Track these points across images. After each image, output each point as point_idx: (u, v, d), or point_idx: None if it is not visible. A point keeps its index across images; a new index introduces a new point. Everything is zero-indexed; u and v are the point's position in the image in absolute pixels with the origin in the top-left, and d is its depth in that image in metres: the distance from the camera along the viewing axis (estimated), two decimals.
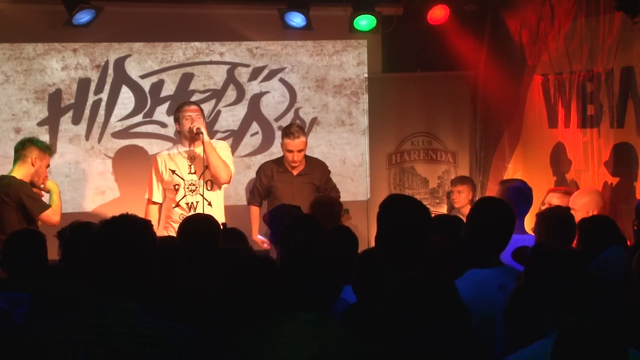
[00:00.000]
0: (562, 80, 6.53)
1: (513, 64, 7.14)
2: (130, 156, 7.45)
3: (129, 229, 2.61)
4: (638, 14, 5.52)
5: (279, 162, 6.62)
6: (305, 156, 6.60)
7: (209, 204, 6.14)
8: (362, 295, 3.37)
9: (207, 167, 6.13)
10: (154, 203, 6.32)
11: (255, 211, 6.67)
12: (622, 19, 5.80)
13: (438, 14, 7.33)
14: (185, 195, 6.16)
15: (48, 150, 5.92)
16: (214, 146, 6.18)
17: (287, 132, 6.48)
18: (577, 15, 6.34)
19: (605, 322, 2.36)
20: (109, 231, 2.61)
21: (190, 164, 6.21)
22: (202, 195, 6.14)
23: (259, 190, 6.61)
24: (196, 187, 6.18)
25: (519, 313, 2.97)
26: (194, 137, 6.10)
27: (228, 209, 6.57)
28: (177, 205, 6.19)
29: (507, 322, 3.05)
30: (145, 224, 2.67)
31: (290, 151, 6.43)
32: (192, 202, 6.16)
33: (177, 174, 6.19)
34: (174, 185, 6.19)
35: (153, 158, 6.46)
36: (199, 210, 6.03)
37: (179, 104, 6.41)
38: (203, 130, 6.03)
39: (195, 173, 6.19)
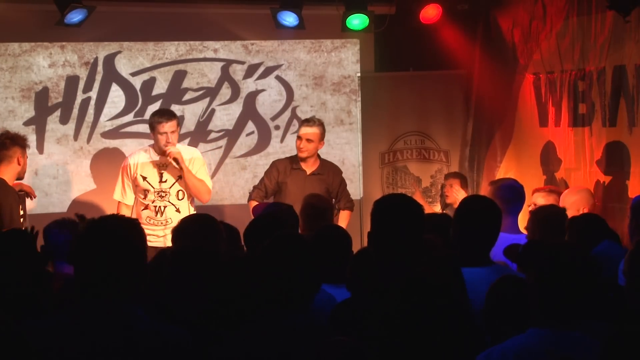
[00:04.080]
0: (553, 79, 6.54)
1: (505, 63, 7.15)
2: (121, 157, 7.35)
3: (119, 227, 2.60)
4: (630, 12, 5.53)
5: (294, 159, 6.49)
6: (321, 159, 6.51)
7: (177, 210, 6.13)
8: (357, 293, 3.37)
9: (180, 177, 6.10)
10: (126, 205, 6.27)
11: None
12: (614, 17, 5.81)
13: (430, 13, 7.34)
14: (154, 200, 6.13)
15: (26, 144, 5.91)
16: (188, 156, 6.14)
17: (305, 120, 6.49)
18: (569, 14, 6.35)
19: None
20: (99, 230, 2.60)
21: (161, 171, 6.15)
22: (171, 202, 6.14)
23: (266, 185, 6.44)
24: (166, 195, 6.15)
25: (498, 311, 2.99)
26: (166, 159, 6.05)
27: (223, 209, 6.55)
28: (146, 207, 6.16)
29: (486, 320, 3.06)
30: (134, 223, 2.67)
31: (300, 137, 6.34)
32: (159, 206, 6.14)
33: (147, 181, 6.14)
34: (144, 190, 6.14)
35: (124, 161, 6.34)
36: (167, 215, 6.07)
37: (155, 112, 6.23)
38: (179, 159, 5.99)
39: (166, 182, 6.13)
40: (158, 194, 6.13)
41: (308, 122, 6.40)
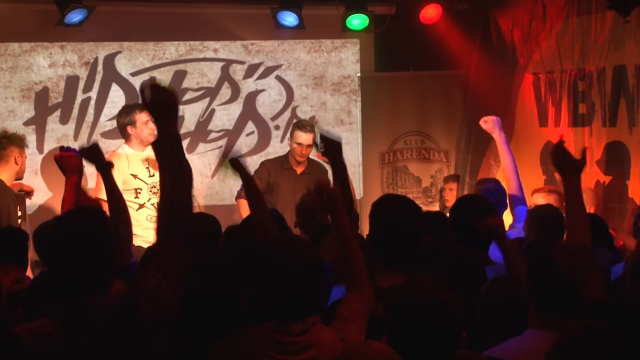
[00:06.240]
0: (553, 79, 6.54)
1: (505, 63, 7.15)
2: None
3: (89, 220, 2.58)
4: (630, 12, 5.54)
5: (284, 159, 6.55)
6: (308, 158, 6.53)
7: None
8: None
9: None
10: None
11: (246, 205, 6.47)
12: (613, 17, 5.81)
13: (430, 13, 7.34)
14: (149, 199, 6.02)
15: (24, 144, 5.83)
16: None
17: (299, 124, 6.47)
18: (569, 14, 6.35)
19: (609, 324, 2.34)
20: (70, 224, 2.58)
21: (147, 167, 6.05)
22: None
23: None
24: (158, 190, 6.05)
25: (494, 309, 2.99)
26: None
27: (224, 209, 6.55)
28: (142, 206, 5.99)
29: (482, 315, 3.05)
30: (102, 214, 2.68)
31: (300, 144, 6.37)
32: (156, 204, 6.07)
33: (139, 178, 6.03)
34: (136, 189, 6.01)
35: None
36: None
37: (128, 106, 6.16)
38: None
39: (154, 176, 6.01)
40: (150, 190, 6.06)
41: (305, 128, 6.38)
